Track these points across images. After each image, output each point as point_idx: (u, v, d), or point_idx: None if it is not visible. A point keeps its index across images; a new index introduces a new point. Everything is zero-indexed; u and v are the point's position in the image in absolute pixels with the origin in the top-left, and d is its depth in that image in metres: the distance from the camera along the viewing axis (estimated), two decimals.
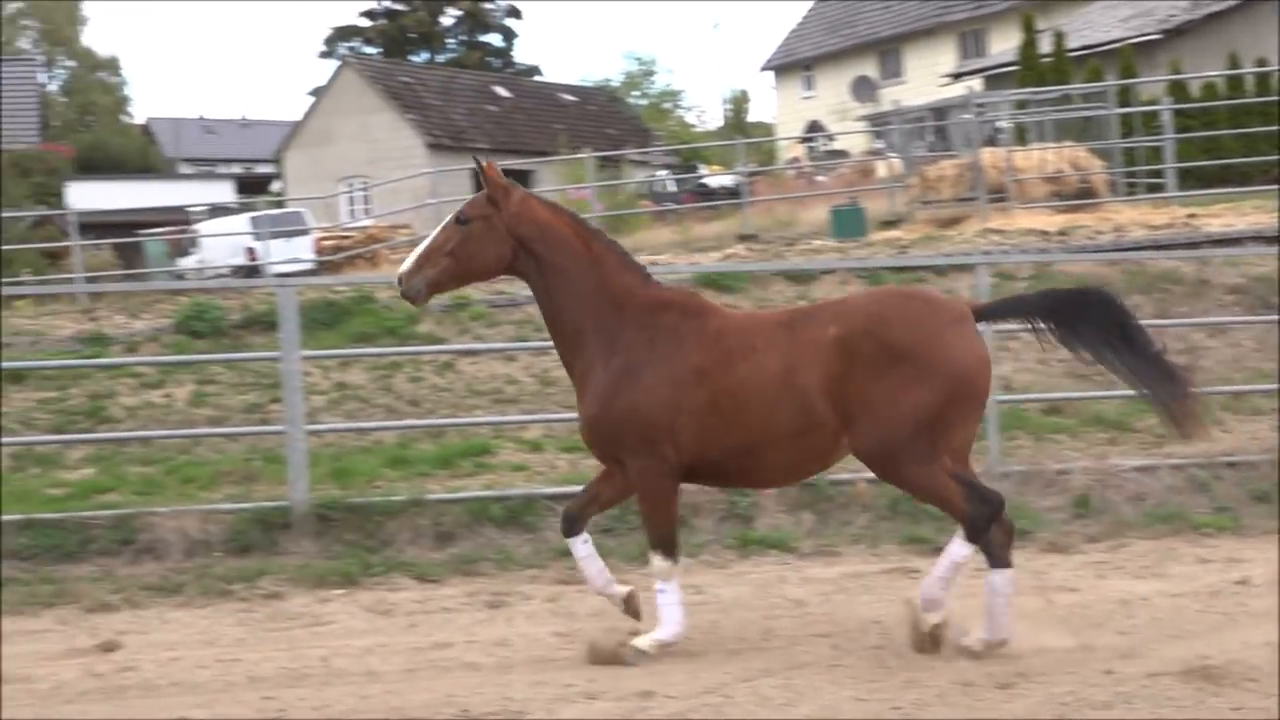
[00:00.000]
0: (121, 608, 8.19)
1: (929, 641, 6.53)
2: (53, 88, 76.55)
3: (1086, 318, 6.45)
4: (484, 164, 6.75)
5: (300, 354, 9.89)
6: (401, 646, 7.14)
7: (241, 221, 31.49)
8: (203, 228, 32.37)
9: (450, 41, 67.17)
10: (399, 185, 33.99)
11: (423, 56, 64.32)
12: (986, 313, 6.69)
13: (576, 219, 6.91)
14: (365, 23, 65.80)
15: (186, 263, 30.73)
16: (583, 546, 6.86)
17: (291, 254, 27.87)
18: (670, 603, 6.65)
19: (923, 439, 6.25)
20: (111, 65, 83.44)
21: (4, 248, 27.90)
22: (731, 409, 6.44)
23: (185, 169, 68.33)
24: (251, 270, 27.65)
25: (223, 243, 29.87)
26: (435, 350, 13.79)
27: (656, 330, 6.60)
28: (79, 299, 18.91)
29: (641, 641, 6.66)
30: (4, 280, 23.88)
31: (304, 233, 30.13)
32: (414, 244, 29.22)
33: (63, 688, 6.63)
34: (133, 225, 34.43)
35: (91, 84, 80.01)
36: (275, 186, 52.49)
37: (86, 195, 39.99)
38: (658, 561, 6.66)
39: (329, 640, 7.34)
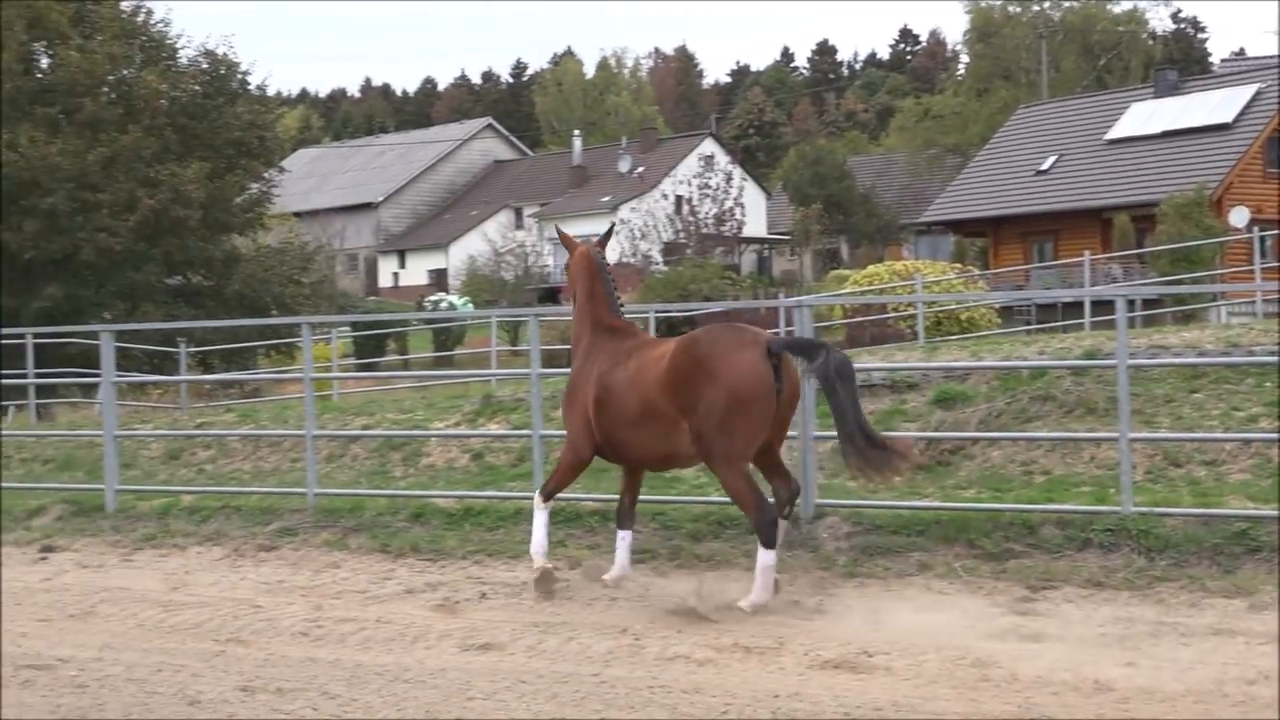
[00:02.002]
0: None
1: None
2: None
3: (816, 365, 8.37)
4: (559, 229, 10.73)
5: None
6: None
7: None
8: None
9: None
10: None
11: None
12: (773, 346, 8.48)
13: (596, 265, 9.52)
14: None
15: None
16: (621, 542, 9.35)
17: None
18: (540, 524, 9.29)
19: (720, 438, 8.31)
20: None
21: None
22: (608, 399, 8.92)
23: None
24: None
25: None
26: None
27: (594, 347, 9.23)
28: None
29: (533, 565, 9.26)
30: None
31: None
32: None
33: None
34: None
35: None
36: None
37: None
38: (538, 498, 9.37)
39: None
